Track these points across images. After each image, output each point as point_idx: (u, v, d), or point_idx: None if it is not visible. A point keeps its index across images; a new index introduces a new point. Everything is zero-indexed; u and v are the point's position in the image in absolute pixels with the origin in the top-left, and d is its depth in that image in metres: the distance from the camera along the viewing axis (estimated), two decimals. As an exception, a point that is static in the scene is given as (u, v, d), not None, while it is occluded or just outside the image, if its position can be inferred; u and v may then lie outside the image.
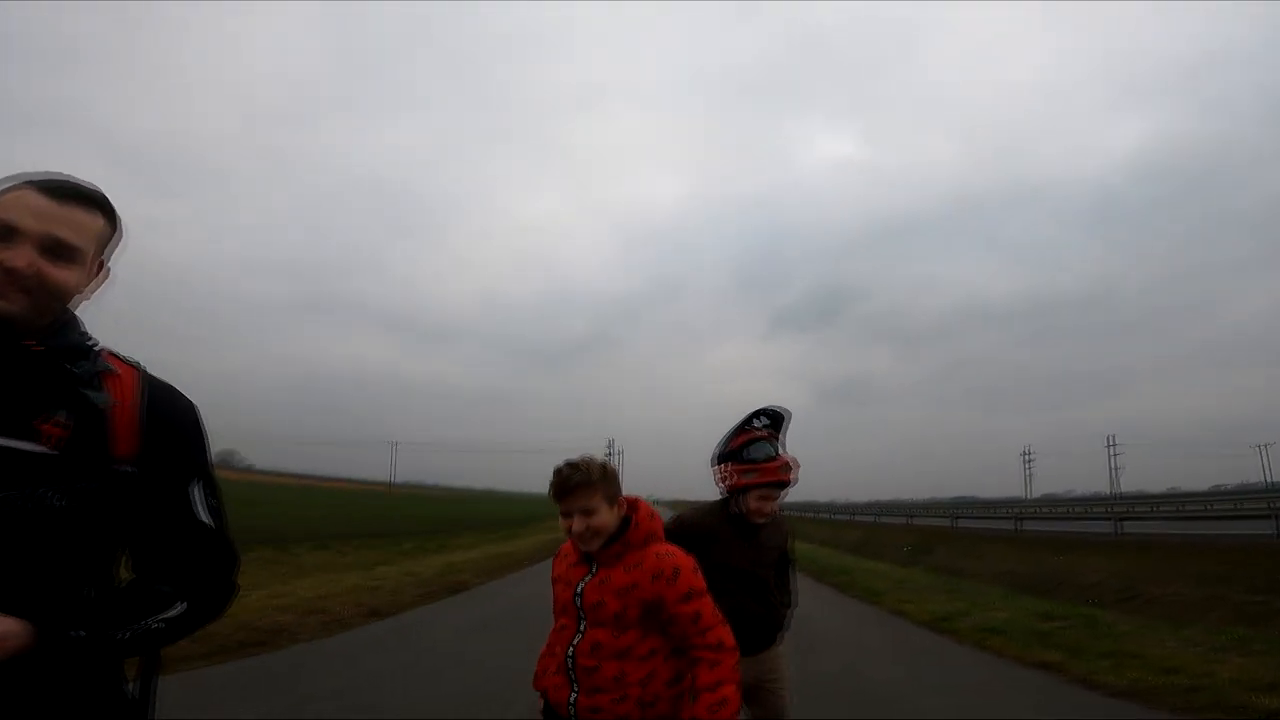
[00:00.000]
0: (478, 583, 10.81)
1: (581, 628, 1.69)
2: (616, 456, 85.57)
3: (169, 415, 1.02)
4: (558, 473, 1.72)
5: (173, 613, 0.96)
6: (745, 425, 2.40)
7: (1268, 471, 49.11)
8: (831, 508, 54.14)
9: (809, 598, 10.68)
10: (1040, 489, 64.99)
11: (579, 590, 1.71)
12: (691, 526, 2.37)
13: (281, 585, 8.45)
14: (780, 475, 2.31)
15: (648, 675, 1.63)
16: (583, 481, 1.69)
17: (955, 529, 24.56)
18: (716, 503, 2.44)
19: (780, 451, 2.35)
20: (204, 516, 1.02)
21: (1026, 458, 64.68)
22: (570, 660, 1.67)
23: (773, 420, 2.41)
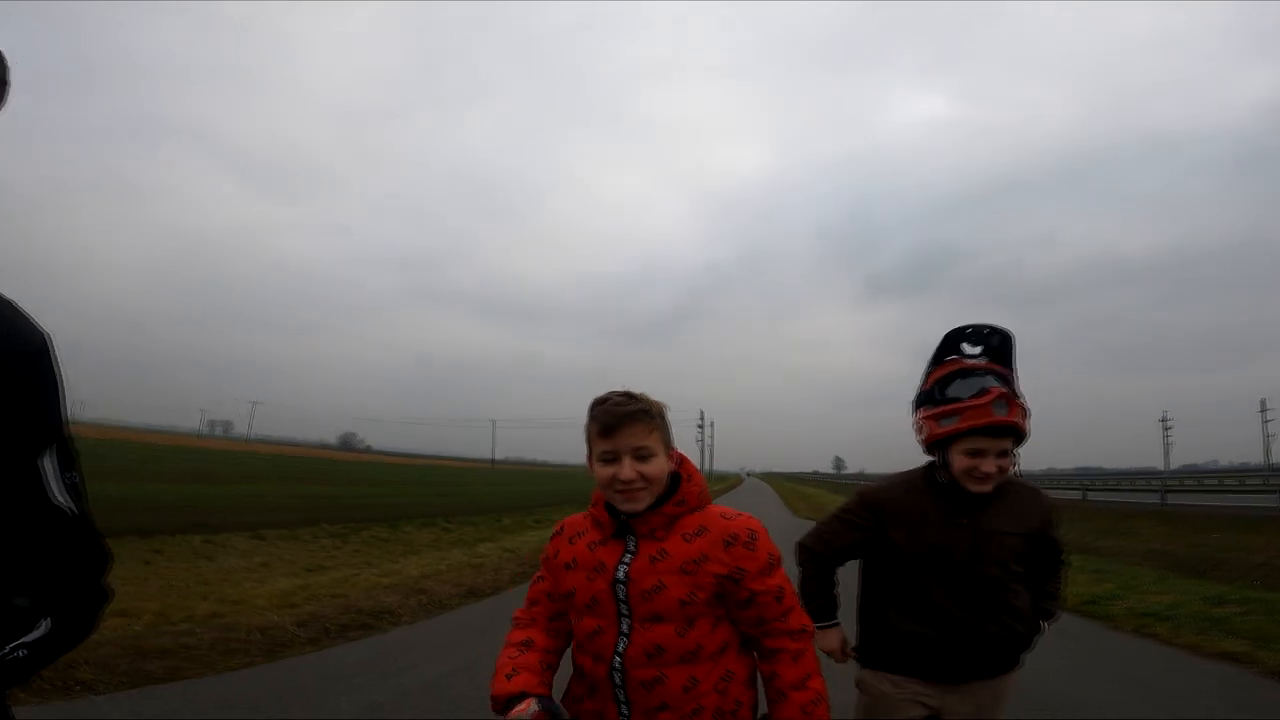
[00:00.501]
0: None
1: (626, 628, 1.22)
2: (708, 428, 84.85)
3: (5, 351, 0.70)
4: (603, 402, 1.27)
5: (36, 634, 0.71)
6: (945, 352, 1.68)
7: None
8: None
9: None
10: (1179, 459, 58.30)
11: (621, 576, 1.23)
12: (880, 504, 1.68)
13: (391, 564, 8.82)
14: (995, 416, 1.51)
15: (724, 678, 1.22)
16: (640, 412, 1.24)
17: (1086, 502, 22.37)
18: (918, 469, 1.72)
19: (999, 386, 1.57)
20: (60, 498, 0.73)
21: (1166, 423, 57.82)
22: (618, 675, 1.21)
23: (990, 344, 1.66)
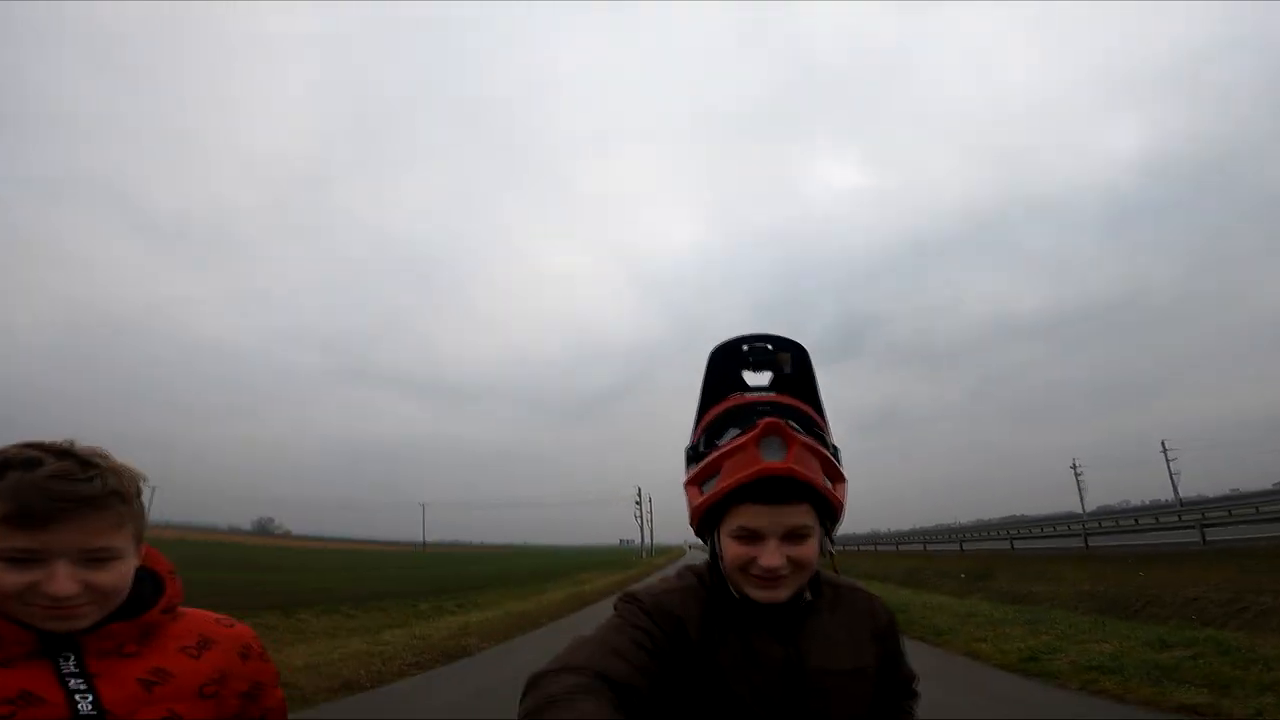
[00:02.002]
0: (483, 647, 9.75)
1: None
2: (645, 504, 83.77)
3: None
4: (19, 482, 0.77)
5: None
6: (719, 385, 1.05)
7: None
8: (875, 538, 51.78)
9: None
10: (1092, 502, 61.45)
11: (88, 709, 0.80)
12: (676, 611, 0.93)
13: (274, 653, 7.54)
14: (762, 463, 0.87)
15: None
16: (107, 498, 0.82)
17: (1014, 551, 22.72)
18: (688, 572, 1.03)
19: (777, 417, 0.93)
20: None
21: (1076, 470, 61.23)
22: None
23: (774, 367, 1.06)
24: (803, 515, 0.89)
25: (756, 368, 1.07)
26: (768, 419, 0.90)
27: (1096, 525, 23.20)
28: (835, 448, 0.97)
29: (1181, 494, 45.45)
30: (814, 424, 0.98)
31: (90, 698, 0.80)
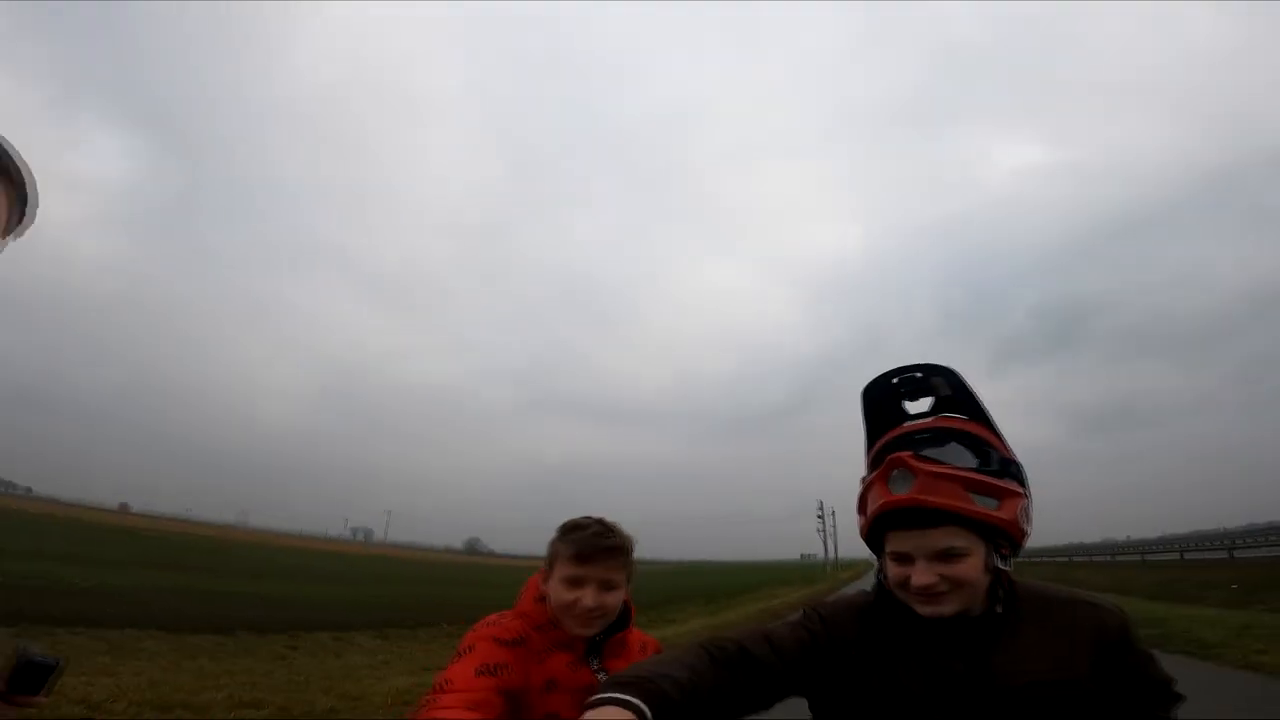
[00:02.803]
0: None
1: None
2: (828, 517, 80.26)
3: None
4: (583, 528, 1.32)
5: None
6: (883, 420, 1.13)
7: None
8: (1109, 547, 44.75)
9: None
10: None
11: None
12: (840, 627, 1.05)
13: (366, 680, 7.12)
14: (890, 496, 0.97)
15: None
16: (617, 547, 1.31)
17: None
18: (867, 593, 1.12)
19: (909, 453, 1.00)
20: None
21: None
22: None
23: (935, 391, 1.11)
24: (951, 537, 0.94)
25: (912, 397, 1.12)
26: (894, 454, 0.99)
27: None
28: (1012, 462, 1.02)
29: None
30: (983, 442, 1.02)
31: None
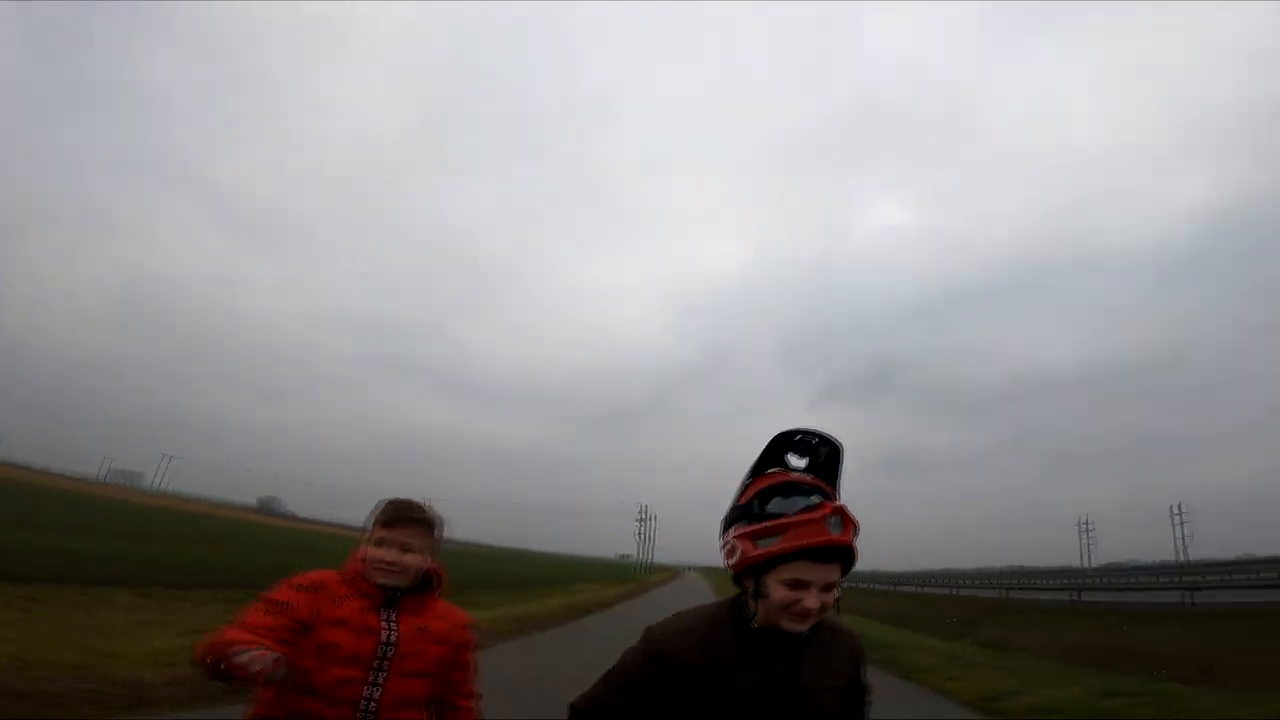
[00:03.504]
0: (487, 644, 10.36)
1: (381, 680, 1.55)
2: (649, 522, 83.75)
3: None
4: (400, 502, 1.66)
5: None
6: (768, 462, 1.33)
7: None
8: (873, 577, 51.49)
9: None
10: (1103, 558, 60.94)
11: (388, 638, 1.58)
12: (673, 656, 1.24)
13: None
14: (829, 535, 1.18)
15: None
16: (420, 519, 1.65)
17: (1007, 600, 22.89)
18: (724, 603, 1.32)
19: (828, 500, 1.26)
20: None
21: (1084, 526, 60.94)
22: (369, 717, 1.52)
23: (816, 456, 1.33)
24: (837, 573, 1.19)
25: (799, 453, 1.33)
26: (837, 503, 1.21)
27: (1091, 581, 23.31)
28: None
29: (1192, 556, 45.27)
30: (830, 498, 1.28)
31: (394, 633, 1.59)
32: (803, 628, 1.20)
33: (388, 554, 1.60)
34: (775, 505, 1.23)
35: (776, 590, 1.18)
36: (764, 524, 1.20)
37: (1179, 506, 50.37)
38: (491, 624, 12.66)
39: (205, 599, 10.45)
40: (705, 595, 34.61)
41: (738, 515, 1.27)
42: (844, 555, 1.18)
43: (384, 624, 1.59)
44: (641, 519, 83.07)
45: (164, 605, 9.23)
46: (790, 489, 1.25)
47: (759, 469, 1.32)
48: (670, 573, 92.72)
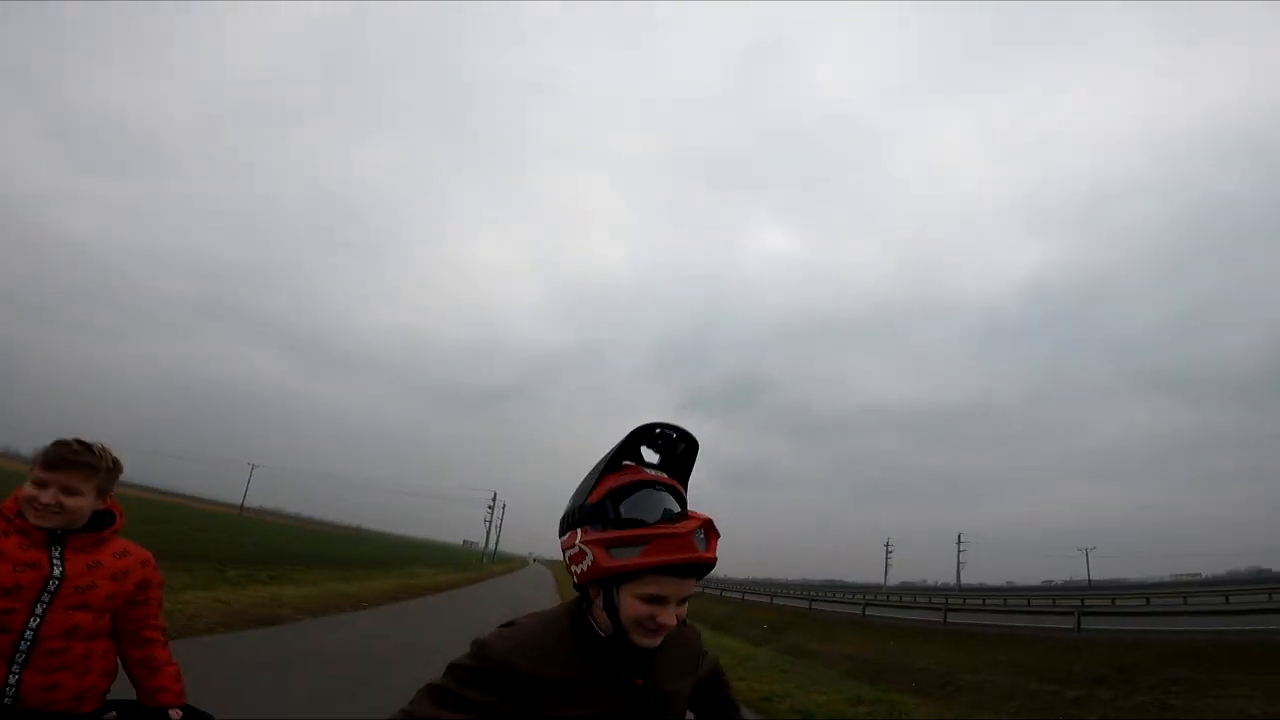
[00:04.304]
0: (297, 619, 9.84)
1: (40, 610, 1.63)
2: (498, 509, 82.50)
3: None
4: (62, 444, 1.69)
5: None
6: (624, 454, 1.20)
7: (1089, 572, 55.45)
8: (706, 582, 54.50)
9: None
10: (901, 577, 69.47)
11: (55, 572, 1.65)
12: (512, 670, 1.05)
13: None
14: (698, 552, 1.08)
15: (106, 650, 1.76)
16: (87, 465, 1.68)
17: (812, 611, 25.34)
18: (560, 611, 1.18)
19: (697, 513, 1.15)
20: None
21: (887, 548, 69.09)
22: (27, 644, 1.61)
23: (673, 452, 1.23)
24: (694, 586, 1.11)
25: (656, 448, 1.22)
26: (705, 517, 1.11)
27: (878, 598, 26.49)
28: None
29: (965, 581, 53.35)
30: (685, 502, 1.18)
31: (60, 568, 1.66)
32: (655, 642, 1.09)
33: (46, 495, 1.64)
34: (631, 509, 1.10)
35: (631, 604, 1.07)
36: (622, 532, 1.07)
37: (960, 536, 59.04)
38: (303, 600, 12.00)
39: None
40: (546, 585, 34.91)
41: (587, 516, 1.12)
42: (706, 570, 1.10)
43: (52, 560, 1.65)
44: (491, 506, 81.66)
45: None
46: (646, 491, 1.13)
47: (612, 463, 1.17)
48: (514, 563, 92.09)
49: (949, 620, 17.52)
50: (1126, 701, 8.43)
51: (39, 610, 1.62)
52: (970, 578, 55.69)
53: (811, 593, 30.34)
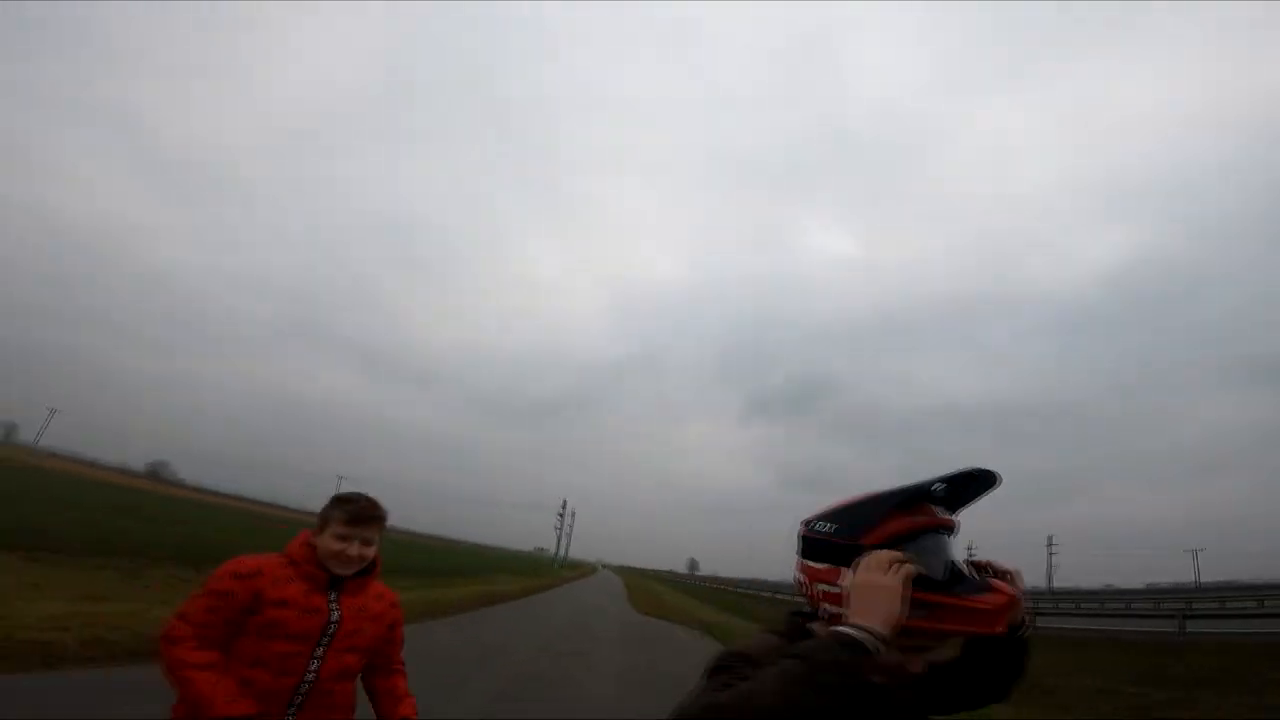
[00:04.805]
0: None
1: (321, 653, 1.72)
2: (568, 516, 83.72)
3: None
4: (356, 499, 1.82)
5: None
6: (916, 495, 1.03)
7: (1197, 574, 51.10)
8: (780, 586, 53.64)
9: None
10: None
11: (333, 617, 1.75)
12: None
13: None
14: (998, 628, 0.96)
15: (355, 686, 1.88)
16: (380, 518, 1.84)
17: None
18: (769, 635, 1.02)
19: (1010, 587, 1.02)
20: None
21: (970, 551, 65.58)
22: (307, 686, 1.70)
23: (961, 489, 1.06)
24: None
25: (948, 493, 1.05)
26: (1011, 595, 0.98)
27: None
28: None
29: (1058, 584, 50.33)
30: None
31: (338, 613, 1.77)
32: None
33: (352, 549, 1.77)
34: (921, 549, 0.99)
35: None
36: (942, 596, 0.95)
37: (1051, 538, 55.65)
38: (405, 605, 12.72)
39: (96, 566, 10.24)
40: (615, 593, 35.21)
41: (837, 552, 1.00)
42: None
43: (330, 605, 1.77)
44: (562, 513, 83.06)
45: (52, 570, 9.05)
46: (935, 535, 1.02)
47: (909, 500, 1.02)
48: (585, 568, 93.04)
49: (1038, 626, 16.84)
50: (1224, 702, 8.05)
51: (319, 653, 1.71)
52: (1064, 581, 52.65)
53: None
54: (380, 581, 1.94)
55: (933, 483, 1.03)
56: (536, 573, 46.45)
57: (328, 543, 1.77)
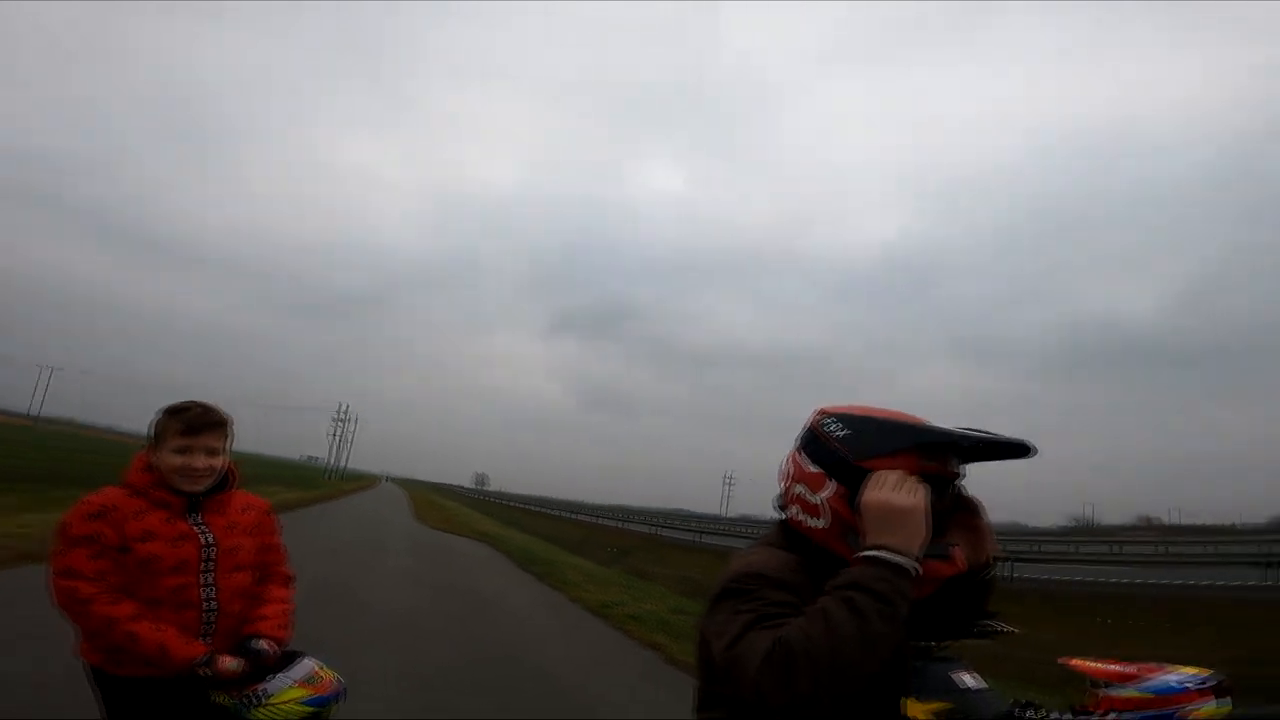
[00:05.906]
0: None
1: (211, 579, 1.64)
2: (349, 424, 78.27)
3: None
4: (189, 407, 1.66)
5: None
6: (945, 445, 0.99)
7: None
8: (566, 505, 57.03)
9: (511, 582, 11.86)
10: (740, 509, 77.07)
11: (209, 540, 1.64)
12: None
13: None
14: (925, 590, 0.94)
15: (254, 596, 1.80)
16: (221, 423, 1.68)
17: (658, 536, 28.01)
18: (779, 552, 1.00)
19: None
20: None
21: (728, 481, 75.86)
22: (213, 615, 1.63)
23: (990, 449, 1.01)
24: None
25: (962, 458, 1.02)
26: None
27: (716, 527, 29.90)
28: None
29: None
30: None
31: (209, 534, 1.65)
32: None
33: (198, 461, 1.61)
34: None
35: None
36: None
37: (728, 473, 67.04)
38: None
39: None
40: (401, 507, 34.52)
41: (850, 450, 0.98)
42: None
43: (195, 527, 1.63)
44: (339, 419, 77.21)
45: None
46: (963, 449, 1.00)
47: (934, 442, 0.98)
48: (365, 481, 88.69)
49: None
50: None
51: (208, 579, 1.62)
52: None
53: (657, 520, 33.28)
54: (244, 491, 1.81)
55: (969, 437, 0.97)
56: (307, 484, 43.38)
57: (168, 459, 1.61)
